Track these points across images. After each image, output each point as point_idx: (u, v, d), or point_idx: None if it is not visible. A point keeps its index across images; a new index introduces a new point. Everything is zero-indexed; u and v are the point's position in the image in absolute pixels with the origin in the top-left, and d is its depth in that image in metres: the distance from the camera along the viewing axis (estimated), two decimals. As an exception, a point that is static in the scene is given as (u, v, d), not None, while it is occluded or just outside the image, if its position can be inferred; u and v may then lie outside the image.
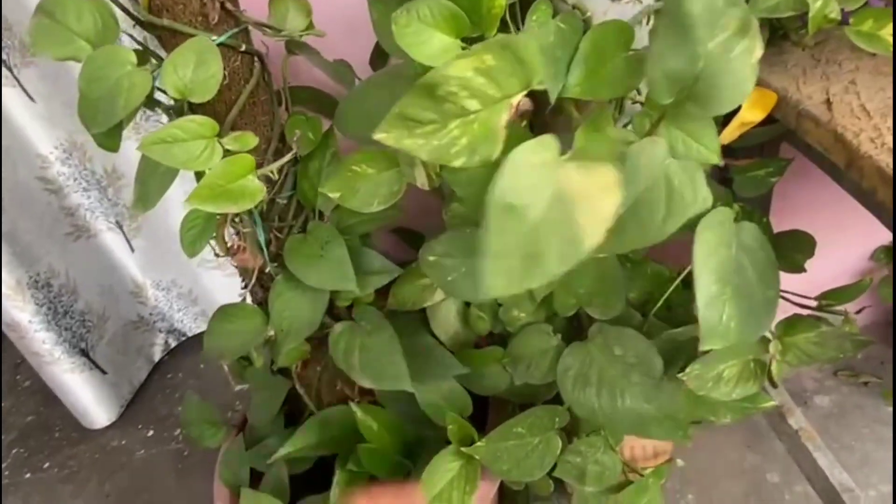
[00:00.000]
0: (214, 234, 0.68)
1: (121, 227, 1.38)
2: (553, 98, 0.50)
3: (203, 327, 1.56)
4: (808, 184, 1.06)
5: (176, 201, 1.34)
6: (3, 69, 1.10)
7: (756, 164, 0.69)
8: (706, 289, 0.49)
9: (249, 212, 0.65)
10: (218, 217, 0.67)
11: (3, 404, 1.58)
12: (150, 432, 1.40)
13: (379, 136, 0.44)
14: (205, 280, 1.47)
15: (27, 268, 1.20)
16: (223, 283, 1.47)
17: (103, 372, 1.38)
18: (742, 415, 0.75)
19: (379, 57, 0.76)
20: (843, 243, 1.12)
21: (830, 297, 0.74)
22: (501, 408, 0.84)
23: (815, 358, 0.67)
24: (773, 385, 0.73)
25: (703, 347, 0.48)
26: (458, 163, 0.45)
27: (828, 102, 0.57)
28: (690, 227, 0.55)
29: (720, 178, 0.75)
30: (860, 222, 1.11)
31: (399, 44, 0.49)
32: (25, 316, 1.20)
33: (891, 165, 0.47)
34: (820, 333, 0.66)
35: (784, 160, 0.69)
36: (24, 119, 1.16)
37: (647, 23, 0.58)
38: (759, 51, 0.46)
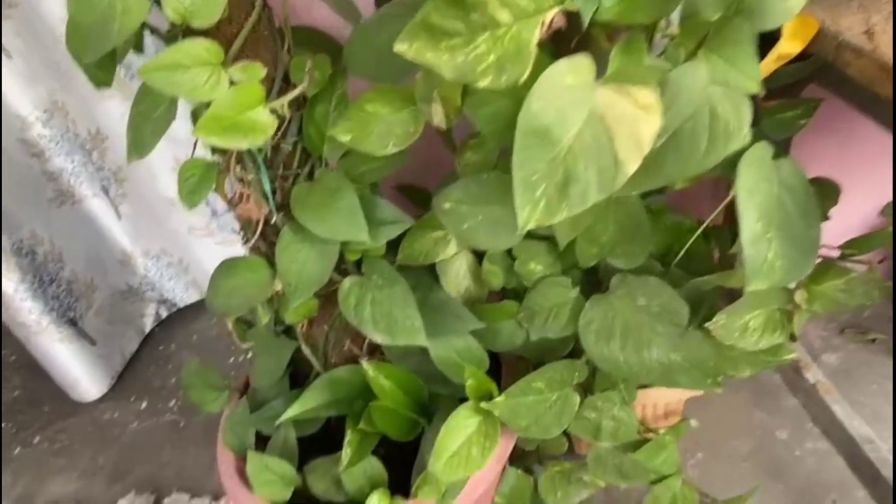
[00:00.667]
0: (214, 185, 0.64)
1: (107, 193, 1.33)
2: (586, 20, 0.47)
3: (195, 297, 1.52)
4: (816, 140, 1.04)
5: (163, 167, 1.29)
6: (-24, 23, 1.03)
7: (784, 105, 0.66)
8: (751, 226, 0.46)
9: (253, 158, 0.61)
10: (219, 164, 0.63)
11: (-11, 379, 1.53)
12: (144, 404, 1.36)
13: (400, 47, 0.40)
14: (195, 248, 1.42)
15: (9, 234, 1.14)
16: (214, 252, 1.42)
17: (92, 342, 1.34)
18: (762, 367, 0.73)
19: (385, -5, 0.71)
20: (851, 200, 1.10)
21: (854, 246, 0.72)
22: (514, 367, 0.81)
23: (841, 306, 0.65)
24: (793, 339, 0.71)
25: (749, 288, 0.45)
26: (484, 82, 0.42)
27: (869, 33, 0.54)
28: (727, 164, 0.52)
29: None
30: (868, 179, 1.09)
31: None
32: (11, 284, 1.15)
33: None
34: (849, 280, 0.64)
35: (813, 101, 0.66)
36: (3, 77, 1.09)
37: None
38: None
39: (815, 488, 0.94)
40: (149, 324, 1.50)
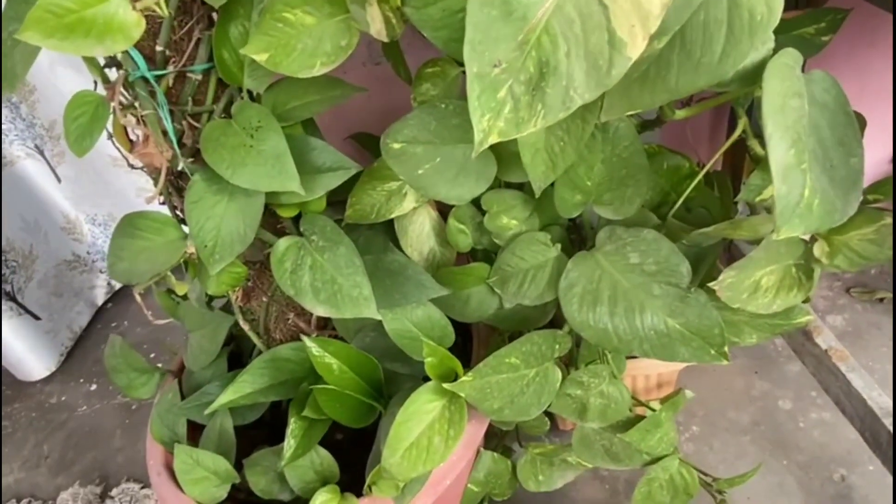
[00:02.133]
0: (111, 129, 0.52)
1: (42, 153, 1.20)
2: None
3: (149, 268, 1.40)
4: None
5: (103, 124, 1.16)
6: None
7: (804, 17, 0.55)
8: (781, 155, 0.35)
9: (151, 89, 0.49)
10: (111, 102, 0.50)
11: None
12: (94, 386, 1.25)
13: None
14: (145, 214, 1.30)
15: (-71, 200, 1.01)
16: (167, 217, 1.30)
17: (36, 318, 1.22)
18: (771, 333, 0.63)
19: None
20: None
21: (877, 191, 0.61)
22: (487, 339, 0.71)
23: (870, 259, 0.55)
24: (806, 300, 0.61)
25: (780, 234, 0.35)
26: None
27: None
28: (742, 80, 0.41)
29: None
30: (875, 128, 0.99)
31: None
32: (-68, 256, 1.03)
33: None
34: (880, 228, 0.53)
35: (840, 11, 0.55)
36: None
37: None
38: None
39: (822, 463, 0.85)
40: (100, 296, 1.39)
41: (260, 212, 0.51)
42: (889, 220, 0.52)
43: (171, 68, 0.48)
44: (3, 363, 1.23)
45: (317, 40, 0.44)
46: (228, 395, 0.59)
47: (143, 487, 1.04)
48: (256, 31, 0.45)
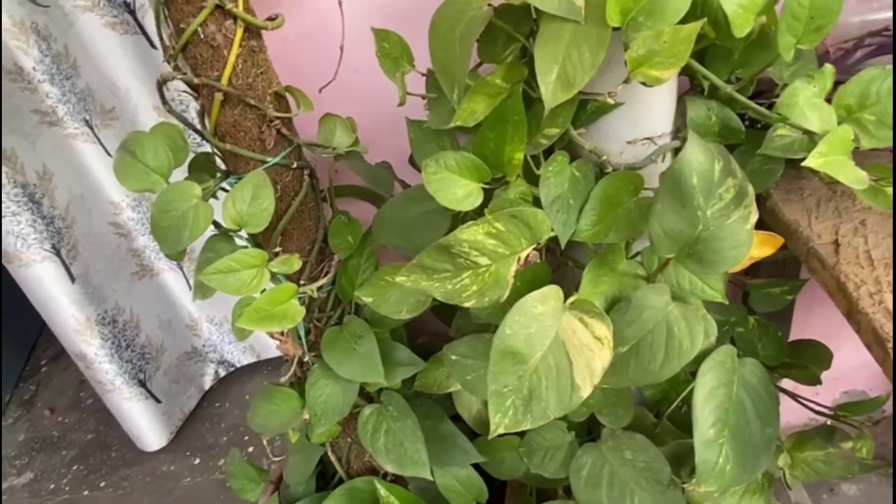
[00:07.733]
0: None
1: (181, 268, 1.49)
2: (563, 243, 0.55)
3: (251, 359, 1.66)
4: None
5: (231, 245, 1.45)
6: (86, 128, 1.23)
7: (772, 282, 0.71)
8: (703, 432, 0.52)
9: (292, 306, 0.72)
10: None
11: (65, 421, 1.72)
12: (197, 460, 1.49)
13: (400, 279, 0.50)
14: (254, 319, 1.56)
15: (96, 306, 1.31)
16: (270, 323, 1.56)
17: (158, 401, 1.48)
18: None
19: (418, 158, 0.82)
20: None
21: (847, 409, 0.75)
22: (519, 489, 0.88)
23: (823, 475, 0.69)
24: (789, 487, 0.75)
25: (699, 489, 0.51)
26: (468, 304, 0.51)
27: (836, 244, 0.59)
28: (696, 362, 0.58)
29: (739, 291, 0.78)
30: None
31: (428, 189, 0.55)
32: (92, 349, 1.32)
33: (885, 328, 0.50)
34: (828, 454, 0.67)
35: (799, 281, 0.71)
36: (101, 171, 1.28)
37: (663, 160, 0.62)
38: (754, 217, 0.49)
39: None
40: (208, 382, 1.65)
41: (356, 393, 0.72)
42: (832, 450, 0.67)
43: (308, 291, 0.72)
44: (128, 434, 1.50)
45: (404, 295, 0.66)
46: (316, 516, 0.79)
47: (231, 560, 1.24)
48: (368, 283, 0.68)
